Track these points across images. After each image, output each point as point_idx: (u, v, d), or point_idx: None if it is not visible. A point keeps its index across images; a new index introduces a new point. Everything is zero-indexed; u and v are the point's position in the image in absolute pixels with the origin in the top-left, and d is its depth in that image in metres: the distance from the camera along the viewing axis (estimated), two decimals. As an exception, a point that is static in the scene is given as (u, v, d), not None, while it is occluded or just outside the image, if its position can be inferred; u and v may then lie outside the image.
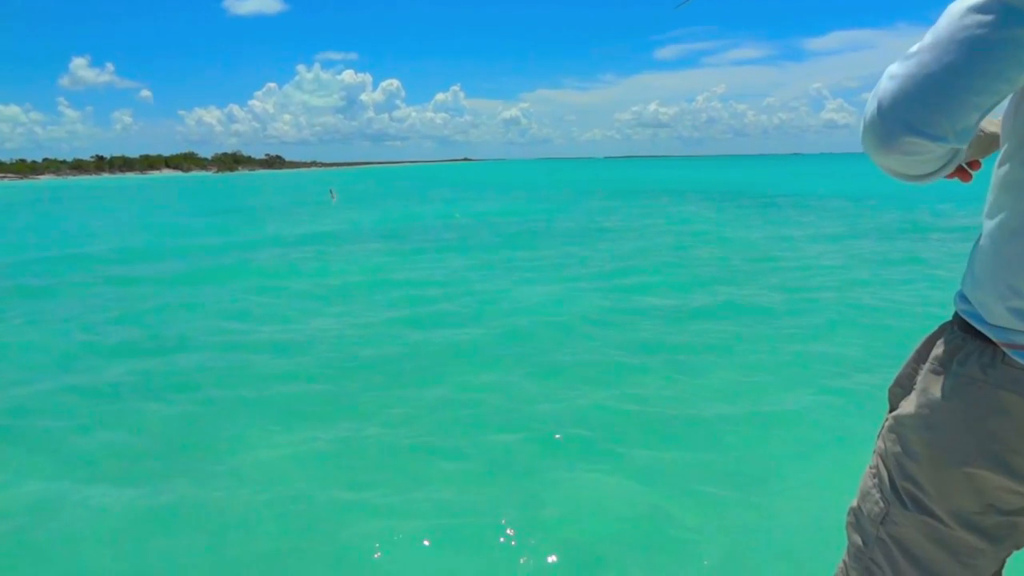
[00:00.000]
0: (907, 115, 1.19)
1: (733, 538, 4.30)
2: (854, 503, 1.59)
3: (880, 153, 1.28)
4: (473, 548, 4.30)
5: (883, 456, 1.48)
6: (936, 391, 1.36)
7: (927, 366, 1.41)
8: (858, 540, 1.54)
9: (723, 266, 14.76)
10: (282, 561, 4.21)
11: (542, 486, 5.01)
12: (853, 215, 26.60)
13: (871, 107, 1.26)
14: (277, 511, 4.77)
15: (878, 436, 1.53)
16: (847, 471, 5.11)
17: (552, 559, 4.12)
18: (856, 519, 1.56)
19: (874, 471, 1.51)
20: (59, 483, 5.31)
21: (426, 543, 4.35)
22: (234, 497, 4.99)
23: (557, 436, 5.88)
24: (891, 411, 1.50)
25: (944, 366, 1.37)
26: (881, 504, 1.46)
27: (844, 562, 1.63)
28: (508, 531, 4.42)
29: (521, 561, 4.14)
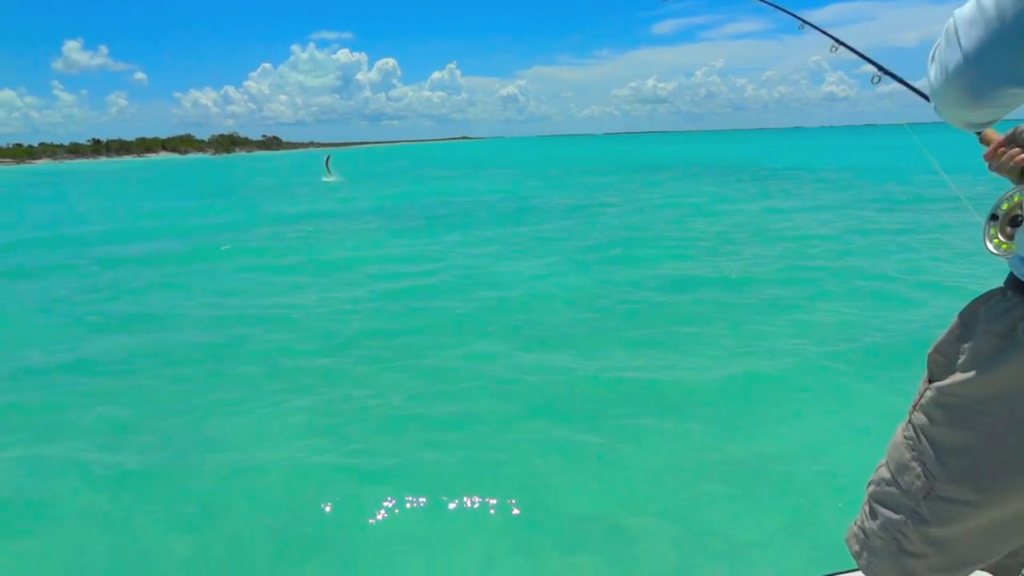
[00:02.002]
0: (1004, 63, 1.09)
1: (729, 504, 4.29)
2: (885, 474, 1.50)
3: (968, 106, 1.18)
4: (461, 515, 4.29)
5: (924, 430, 1.39)
6: (1003, 362, 1.26)
7: (983, 336, 1.31)
8: (888, 512, 1.47)
9: (720, 239, 14.68)
10: (270, 526, 4.20)
11: (534, 456, 4.99)
12: (852, 187, 26.44)
13: (953, 58, 1.13)
14: (267, 478, 4.76)
15: (913, 408, 1.44)
16: (840, 433, 5.11)
17: (543, 527, 4.11)
18: (887, 490, 1.49)
19: (911, 443, 1.43)
20: (52, 450, 5.33)
21: (416, 510, 4.34)
22: (224, 464, 4.99)
23: (551, 407, 5.85)
24: (931, 381, 1.42)
25: (1007, 336, 1.27)
26: (924, 479, 1.38)
27: (862, 528, 1.56)
28: (495, 499, 4.41)
29: (508, 528, 4.13)
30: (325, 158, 47.05)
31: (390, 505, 4.37)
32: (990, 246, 1.35)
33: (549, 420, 5.61)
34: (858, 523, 1.57)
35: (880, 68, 1.91)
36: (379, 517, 4.28)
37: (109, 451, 5.34)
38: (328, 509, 4.38)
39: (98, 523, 4.36)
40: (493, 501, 4.39)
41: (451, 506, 4.37)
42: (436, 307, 9.50)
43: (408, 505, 4.38)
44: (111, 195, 40.52)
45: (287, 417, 5.83)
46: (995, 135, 1.39)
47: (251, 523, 4.28)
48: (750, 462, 4.76)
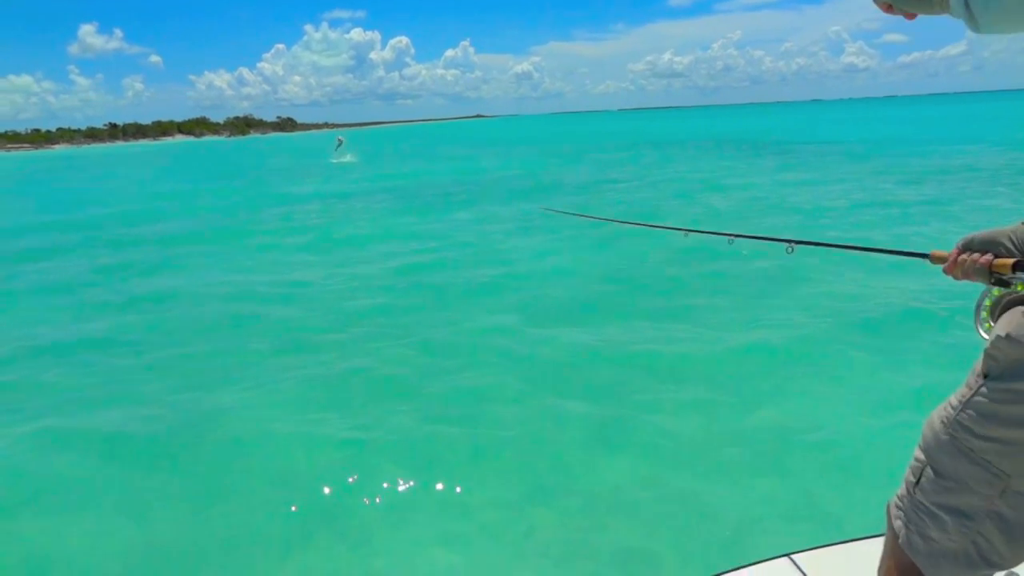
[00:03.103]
0: None
1: (737, 476, 4.27)
2: (931, 475, 1.44)
3: None
4: (469, 487, 4.30)
5: (984, 428, 1.34)
6: None
7: None
8: (956, 515, 1.41)
9: (734, 213, 14.52)
10: (278, 499, 4.24)
11: (542, 429, 4.98)
12: (871, 159, 26.00)
13: None
14: (278, 453, 4.82)
15: (963, 405, 1.37)
16: (847, 404, 5.05)
17: (550, 501, 4.12)
18: (948, 494, 1.42)
19: (966, 443, 1.37)
20: (66, 424, 5.44)
21: (424, 484, 4.36)
22: (234, 439, 5.06)
23: (559, 381, 5.82)
24: (986, 376, 1.36)
25: None
26: (996, 478, 1.33)
27: (921, 535, 1.47)
28: (501, 472, 4.43)
29: (515, 501, 4.14)
30: (336, 140, 47.00)
31: (398, 479, 4.40)
32: (988, 336, 1.40)
33: (557, 394, 5.60)
34: (916, 530, 1.48)
35: (789, 241, 1.97)
36: (387, 491, 4.31)
37: (122, 425, 5.42)
38: (337, 483, 4.42)
39: (111, 496, 4.42)
40: (499, 474, 4.41)
41: (459, 479, 4.39)
42: (446, 283, 9.50)
43: (416, 479, 4.40)
44: (127, 178, 40.87)
45: (297, 393, 5.87)
46: (943, 252, 1.46)
47: (259, 496, 4.32)
48: (758, 434, 4.74)
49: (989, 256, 1.35)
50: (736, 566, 2.08)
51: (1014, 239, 1.31)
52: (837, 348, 6.17)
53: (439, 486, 4.33)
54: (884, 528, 1.58)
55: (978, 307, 1.45)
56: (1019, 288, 1.34)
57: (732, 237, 2.18)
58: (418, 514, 4.06)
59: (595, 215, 4.07)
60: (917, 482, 1.47)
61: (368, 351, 6.80)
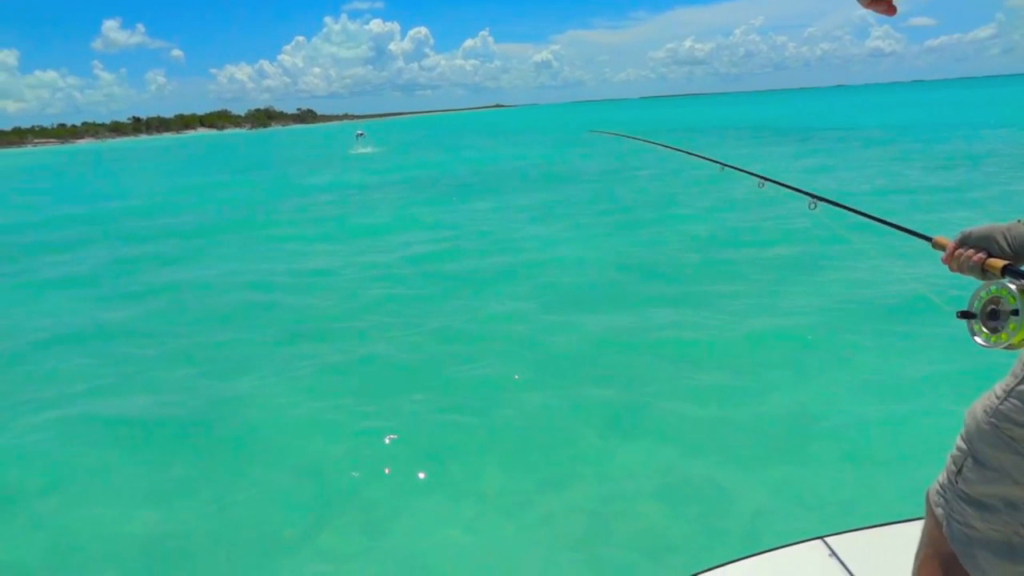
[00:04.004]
0: None
1: (748, 465, 4.25)
2: (973, 465, 1.42)
3: None
4: (483, 475, 4.33)
5: None
6: None
7: None
8: (1003, 506, 1.38)
9: (751, 201, 14.33)
10: (292, 485, 4.31)
11: (558, 416, 5.00)
12: (895, 144, 25.52)
13: None
14: (293, 440, 4.89)
15: (1007, 395, 1.34)
16: (861, 390, 4.99)
17: (564, 489, 4.13)
18: (989, 485, 1.40)
19: (1010, 431, 1.34)
20: (86, 411, 5.57)
21: (439, 471, 4.40)
22: (250, 425, 5.15)
23: (576, 368, 5.82)
24: None
25: None
26: None
27: (966, 524, 1.44)
28: (514, 460, 4.45)
29: (529, 490, 4.15)
30: (356, 134, 47.30)
31: (415, 466, 4.44)
32: (979, 340, 1.41)
33: (574, 381, 5.59)
34: (958, 519, 1.46)
35: (814, 196, 1.97)
36: (404, 477, 4.34)
37: (143, 412, 5.53)
38: (354, 469, 4.46)
39: (133, 481, 4.51)
40: (516, 460, 4.42)
41: (475, 465, 4.41)
42: (463, 272, 9.53)
43: (432, 465, 4.43)
44: (151, 172, 41.39)
45: (315, 380, 5.94)
46: (946, 240, 1.48)
47: (278, 482, 4.38)
48: (775, 421, 4.72)
49: (983, 255, 1.37)
50: (769, 548, 2.06)
51: (1008, 237, 1.31)
52: (854, 335, 6.10)
53: (455, 472, 4.36)
54: (914, 513, 1.56)
55: (968, 313, 1.43)
56: (1003, 294, 1.33)
57: (763, 180, 2.29)
58: (434, 499, 4.09)
59: (637, 136, 4.02)
60: (959, 471, 1.44)
61: (385, 339, 6.85)
